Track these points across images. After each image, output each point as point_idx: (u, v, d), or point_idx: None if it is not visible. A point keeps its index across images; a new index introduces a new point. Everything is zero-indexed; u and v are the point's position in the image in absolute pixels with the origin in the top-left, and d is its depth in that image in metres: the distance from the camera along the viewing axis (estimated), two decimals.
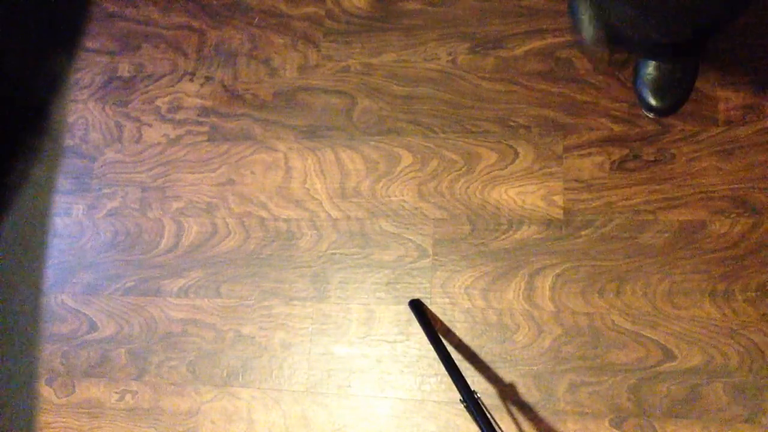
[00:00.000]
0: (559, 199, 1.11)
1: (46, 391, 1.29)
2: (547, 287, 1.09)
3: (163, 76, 1.38)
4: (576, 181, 1.11)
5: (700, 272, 1.03)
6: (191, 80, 1.36)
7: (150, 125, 1.36)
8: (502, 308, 1.10)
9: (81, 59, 1.44)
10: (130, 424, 1.23)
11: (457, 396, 0.98)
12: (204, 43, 1.37)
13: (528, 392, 1.06)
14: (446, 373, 1.00)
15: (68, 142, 1.39)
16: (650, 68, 1.04)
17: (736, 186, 1.05)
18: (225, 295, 1.23)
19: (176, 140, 1.33)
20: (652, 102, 1.04)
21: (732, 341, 1.00)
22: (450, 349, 1.09)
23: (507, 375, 1.08)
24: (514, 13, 1.21)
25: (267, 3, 1.36)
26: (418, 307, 1.12)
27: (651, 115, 1.08)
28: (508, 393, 1.07)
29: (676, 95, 1.03)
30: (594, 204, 1.09)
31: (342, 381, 1.15)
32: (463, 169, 1.17)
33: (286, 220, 1.23)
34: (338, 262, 1.19)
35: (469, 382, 0.97)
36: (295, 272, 1.21)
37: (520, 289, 1.10)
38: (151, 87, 1.38)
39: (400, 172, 1.20)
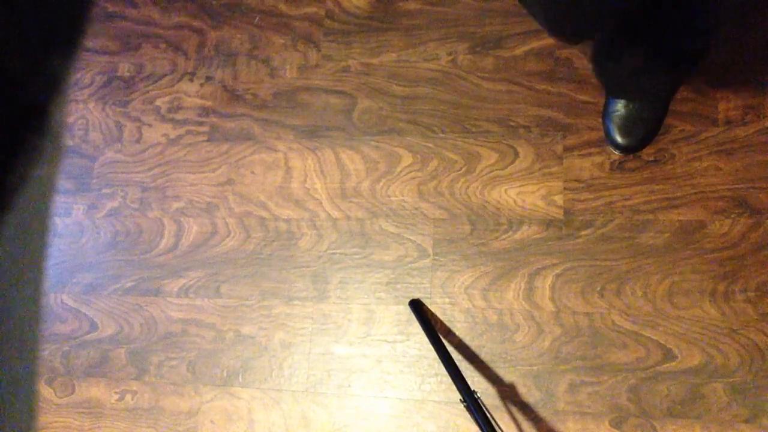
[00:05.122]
0: (559, 199, 1.11)
1: (46, 391, 1.29)
2: (547, 287, 1.09)
3: (163, 76, 1.38)
4: (576, 181, 1.11)
5: (700, 272, 1.03)
6: (191, 80, 1.36)
7: (150, 125, 1.36)
8: (502, 308, 1.10)
9: (81, 59, 1.44)
10: (130, 424, 1.23)
11: (457, 396, 0.98)
12: (204, 43, 1.37)
13: (528, 392, 1.06)
14: (446, 373, 1.00)
15: (68, 142, 1.39)
16: (619, 105, 1.06)
17: (736, 186, 1.05)
18: (225, 295, 1.23)
19: (176, 140, 1.33)
20: (618, 139, 1.06)
21: (732, 341, 1.00)
22: (450, 349, 1.09)
23: (507, 375, 1.08)
24: (514, 13, 1.21)
25: (267, 3, 1.36)
26: (418, 307, 1.12)
27: (617, 152, 1.09)
28: (508, 393, 1.07)
29: (642, 133, 1.05)
30: (594, 204, 1.09)
31: (342, 381, 1.15)
32: (463, 169, 1.17)
33: (286, 220, 1.23)
34: (338, 262, 1.19)
35: (469, 382, 0.97)
36: (295, 272, 1.21)
37: (520, 289, 1.10)
38: (151, 87, 1.38)
39: (400, 172, 1.20)
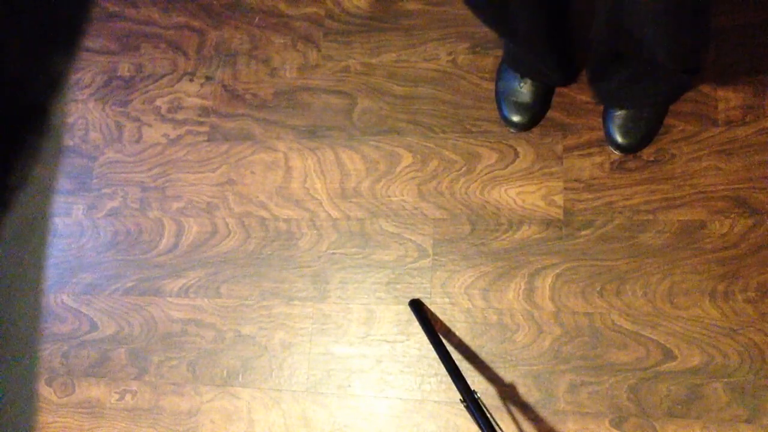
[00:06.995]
0: (559, 199, 1.11)
1: (46, 391, 1.29)
2: (547, 287, 1.09)
3: (163, 76, 1.38)
4: (576, 181, 1.11)
5: (700, 272, 1.03)
6: (191, 80, 1.36)
7: (150, 125, 1.36)
8: (502, 308, 1.10)
9: (81, 59, 1.44)
10: (130, 424, 1.23)
11: (457, 396, 0.98)
12: (204, 43, 1.37)
13: (528, 392, 1.06)
14: (446, 373, 1.00)
15: (68, 142, 1.40)
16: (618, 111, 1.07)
17: (736, 186, 1.05)
18: (225, 295, 1.23)
19: (176, 140, 1.33)
20: (618, 139, 1.07)
21: (732, 341, 1.00)
22: (450, 349, 1.09)
23: (507, 375, 1.08)
24: None
25: (267, 3, 1.36)
26: (418, 307, 1.12)
27: (617, 152, 1.09)
28: (508, 393, 1.07)
29: (642, 133, 1.07)
30: (594, 204, 1.09)
31: (342, 381, 1.15)
32: (463, 169, 1.17)
33: (286, 220, 1.23)
34: (338, 262, 1.19)
35: (469, 382, 0.97)
36: (295, 272, 1.21)
37: (520, 289, 1.10)
38: (151, 87, 1.38)
39: (400, 172, 1.20)
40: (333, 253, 1.20)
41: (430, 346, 1.07)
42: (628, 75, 0.95)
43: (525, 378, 1.07)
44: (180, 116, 1.34)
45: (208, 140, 1.31)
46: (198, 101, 1.34)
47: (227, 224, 1.26)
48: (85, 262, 1.32)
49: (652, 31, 0.79)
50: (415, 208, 1.17)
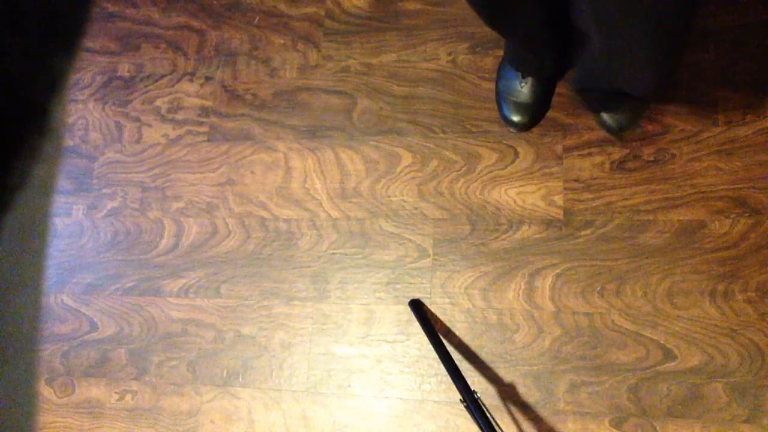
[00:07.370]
0: (559, 199, 1.11)
1: (46, 391, 1.29)
2: (547, 287, 1.09)
3: (163, 76, 1.38)
4: (576, 181, 1.11)
5: (700, 272, 1.03)
6: (191, 80, 1.36)
7: (150, 125, 1.36)
8: (502, 308, 1.10)
9: (81, 59, 1.45)
10: (130, 424, 1.23)
11: (457, 396, 0.98)
12: (204, 43, 1.37)
13: (528, 392, 1.06)
14: (446, 373, 1.00)
15: (68, 142, 1.40)
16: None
17: (736, 186, 1.05)
18: (225, 295, 1.23)
19: (176, 140, 1.33)
20: (609, 122, 1.07)
21: (732, 341, 1.00)
22: (450, 349, 1.09)
23: (507, 375, 1.08)
24: None
25: (267, 3, 1.36)
26: (418, 307, 1.12)
27: (611, 135, 1.11)
28: (508, 393, 1.07)
29: (630, 114, 1.07)
30: (594, 204, 1.09)
31: (342, 381, 1.15)
32: (463, 169, 1.17)
33: (286, 220, 1.23)
34: (338, 262, 1.19)
35: (469, 382, 0.97)
36: (295, 272, 1.21)
37: (520, 289, 1.10)
38: (151, 87, 1.38)
39: (400, 172, 1.20)
40: (333, 253, 1.20)
41: (430, 346, 1.07)
42: (602, 93, 0.98)
43: (525, 378, 1.07)
44: (180, 116, 1.34)
45: (208, 140, 1.31)
46: (198, 101, 1.34)
47: (227, 224, 1.26)
48: (85, 262, 1.32)
49: (635, 62, 0.82)
50: (415, 208, 1.17)
